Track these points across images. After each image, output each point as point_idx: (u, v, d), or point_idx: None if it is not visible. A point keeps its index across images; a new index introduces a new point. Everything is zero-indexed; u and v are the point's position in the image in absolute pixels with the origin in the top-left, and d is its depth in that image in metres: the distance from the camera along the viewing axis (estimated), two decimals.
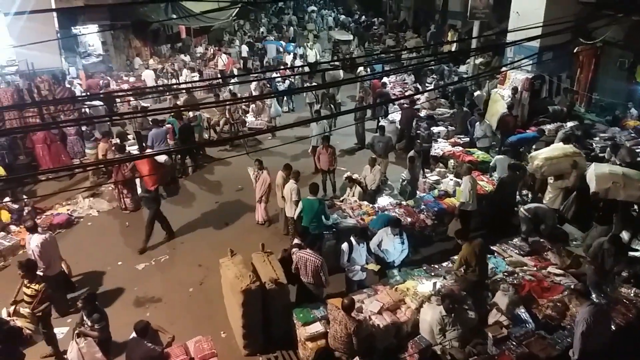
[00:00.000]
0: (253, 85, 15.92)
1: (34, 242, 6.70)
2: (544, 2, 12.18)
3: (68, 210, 10.03)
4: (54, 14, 14.11)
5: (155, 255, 8.68)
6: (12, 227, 9.17)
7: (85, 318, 5.62)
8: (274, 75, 16.96)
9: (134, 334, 5.30)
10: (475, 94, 14.43)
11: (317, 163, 10.71)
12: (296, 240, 6.89)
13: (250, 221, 9.74)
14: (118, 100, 15.14)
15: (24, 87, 12.46)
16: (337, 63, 17.33)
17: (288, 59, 20.68)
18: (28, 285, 5.98)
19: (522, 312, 6.23)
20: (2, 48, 12.67)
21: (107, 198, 10.53)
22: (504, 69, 13.24)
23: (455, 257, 6.95)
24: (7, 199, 9.72)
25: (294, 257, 6.56)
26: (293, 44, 23.12)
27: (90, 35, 21.46)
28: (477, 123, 11.43)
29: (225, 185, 11.36)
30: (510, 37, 11.99)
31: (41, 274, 6.53)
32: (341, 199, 9.67)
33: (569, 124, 11.86)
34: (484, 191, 9.22)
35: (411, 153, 10.05)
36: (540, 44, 11.08)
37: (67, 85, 14.25)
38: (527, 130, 11.73)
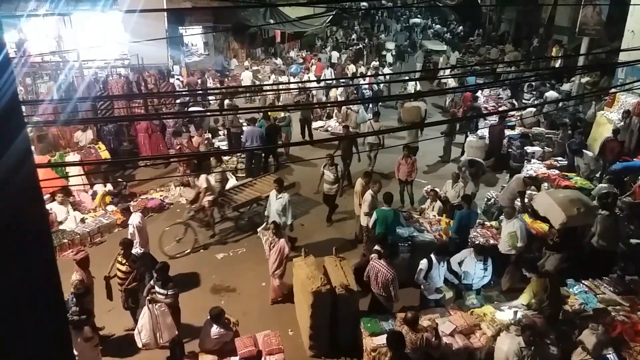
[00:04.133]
0: (339, 90, 16.03)
1: (135, 219, 7.27)
2: None
3: (161, 196, 10.79)
4: (165, 13, 15.30)
5: (233, 248, 9.06)
6: (111, 207, 10.03)
7: (158, 288, 5.95)
8: (362, 82, 17.03)
9: (208, 318, 5.57)
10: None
11: (396, 173, 10.52)
12: (376, 247, 6.78)
13: (324, 224, 9.87)
14: (212, 97, 16.12)
15: (133, 80, 13.59)
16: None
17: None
18: (123, 262, 6.43)
19: (610, 354, 5.68)
20: (117, 42, 13.90)
21: (195, 188, 11.14)
22: (613, 90, 12.16)
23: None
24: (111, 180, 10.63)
25: (368, 265, 6.50)
26: (296, 65, 21.73)
27: (193, 35, 23.00)
28: (581, 158, 10.43)
29: (304, 186, 11.53)
30: (622, 57, 11.04)
31: (141, 250, 7.05)
32: (419, 209, 9.45)
33: None
34: None
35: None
36: None
37: (171, 81, 15.34)
38: (635, 159, 10.66)
